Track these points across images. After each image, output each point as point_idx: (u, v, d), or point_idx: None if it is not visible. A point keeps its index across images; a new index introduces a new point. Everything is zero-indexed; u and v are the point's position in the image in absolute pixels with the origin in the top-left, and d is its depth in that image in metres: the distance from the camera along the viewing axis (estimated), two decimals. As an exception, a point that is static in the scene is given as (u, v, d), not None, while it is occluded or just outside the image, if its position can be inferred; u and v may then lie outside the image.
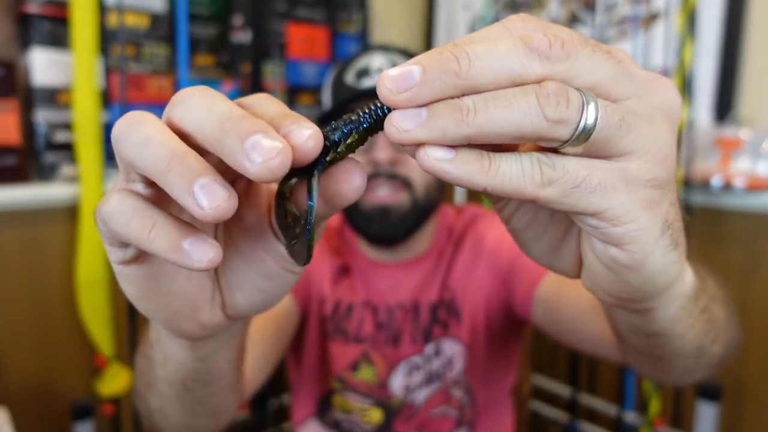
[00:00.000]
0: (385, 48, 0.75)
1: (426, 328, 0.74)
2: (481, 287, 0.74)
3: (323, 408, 0.77)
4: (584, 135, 0.21)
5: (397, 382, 0.74)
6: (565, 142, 0.21)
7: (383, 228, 0.70)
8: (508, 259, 0.72)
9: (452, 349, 0.74)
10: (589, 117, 0.21)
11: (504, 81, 0.21)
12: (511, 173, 0.21)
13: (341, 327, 0.76)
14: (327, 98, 0.76)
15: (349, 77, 0.72)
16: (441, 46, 0.21)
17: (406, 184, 0.70)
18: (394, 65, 0.70)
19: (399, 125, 0.21)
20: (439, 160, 0.21)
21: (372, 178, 0.69)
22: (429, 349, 0.74)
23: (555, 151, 0.22)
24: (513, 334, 0.77)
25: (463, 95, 0.21)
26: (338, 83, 0.74)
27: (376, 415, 0.74)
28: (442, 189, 0.75)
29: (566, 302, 0.61)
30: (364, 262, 0.77)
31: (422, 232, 0.76)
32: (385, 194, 0.69)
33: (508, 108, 0.20)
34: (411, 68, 0.20)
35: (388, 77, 0.20)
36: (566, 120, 0.20)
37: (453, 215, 0.81)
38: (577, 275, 0.29)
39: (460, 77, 0.20)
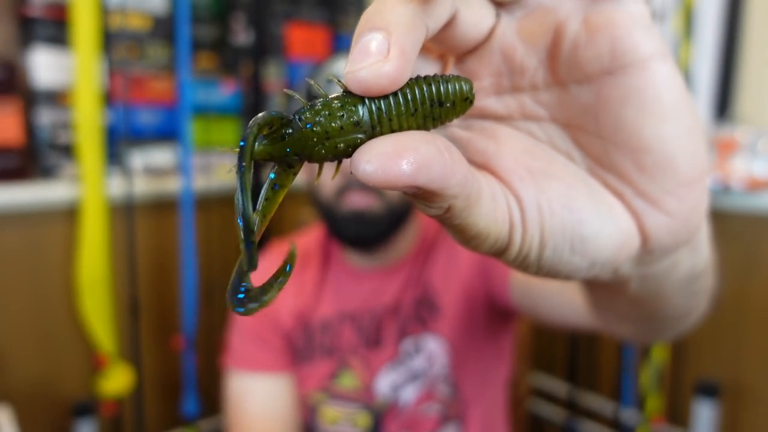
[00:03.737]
0: None
1: (404, 325, 0.75)
2: (461, 280, 0.74)
3: (310, 427, 0.78)
4: None
5: (384, 383, 0.75)
6: None
7: (359, 232, 0.71)
8: None
9: (433, 345, 0.75)
10: None
11: None
12: None
13: (315, 345, 0.77)
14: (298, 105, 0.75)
15: (319, 84, 0.71)
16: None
17: (378, 189, 0.70)
18: None
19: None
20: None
21: (346, 187, 0.69)
22: (407, 345, 0.75)
23: None
24: (499, 325, 0.77)
25: None
26: (308, 91, 0.72)
27: (363, 420, 0.75)
28: None
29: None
30: (346, 272, 0.78)
31: (402, 237, 0.76)
32: (359, 199, 0.70)
33: None
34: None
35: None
36: None
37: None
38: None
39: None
